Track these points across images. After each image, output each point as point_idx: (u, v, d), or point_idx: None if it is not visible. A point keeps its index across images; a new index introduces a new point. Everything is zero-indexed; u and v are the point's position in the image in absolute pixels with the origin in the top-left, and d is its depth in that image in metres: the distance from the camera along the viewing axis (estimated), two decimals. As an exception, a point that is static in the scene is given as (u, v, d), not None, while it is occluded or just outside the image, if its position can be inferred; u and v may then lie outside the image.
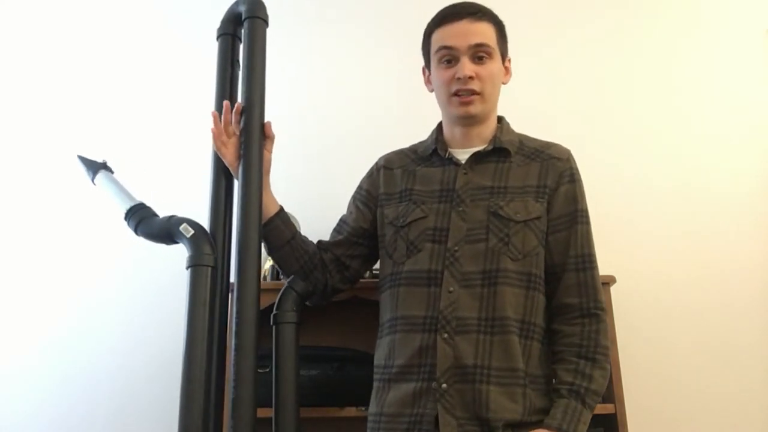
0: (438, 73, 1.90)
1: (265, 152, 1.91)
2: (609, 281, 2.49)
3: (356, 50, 3.12)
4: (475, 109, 1.86)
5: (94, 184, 2.00)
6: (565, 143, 1.97)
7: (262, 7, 1.99)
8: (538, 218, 1.79)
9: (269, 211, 1.92)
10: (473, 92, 1.84)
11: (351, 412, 2.35)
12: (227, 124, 1.90)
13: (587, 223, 1.83)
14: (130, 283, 2.85)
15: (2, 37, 3.20)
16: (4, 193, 2.99)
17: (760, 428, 2.59)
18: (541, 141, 1.95)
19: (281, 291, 1.92)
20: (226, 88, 2.01)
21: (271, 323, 1.88)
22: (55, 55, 3.16)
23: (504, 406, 1.65)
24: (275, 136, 1.94)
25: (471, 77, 1.83)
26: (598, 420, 2.40)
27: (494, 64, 1.87)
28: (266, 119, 1.94)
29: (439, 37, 1.89)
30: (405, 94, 2.97)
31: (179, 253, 2.54)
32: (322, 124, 2.99)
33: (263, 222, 1.90)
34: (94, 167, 2.00)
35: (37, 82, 3.13)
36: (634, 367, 2.57)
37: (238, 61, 2.04)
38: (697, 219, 2.84)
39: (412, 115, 2.91)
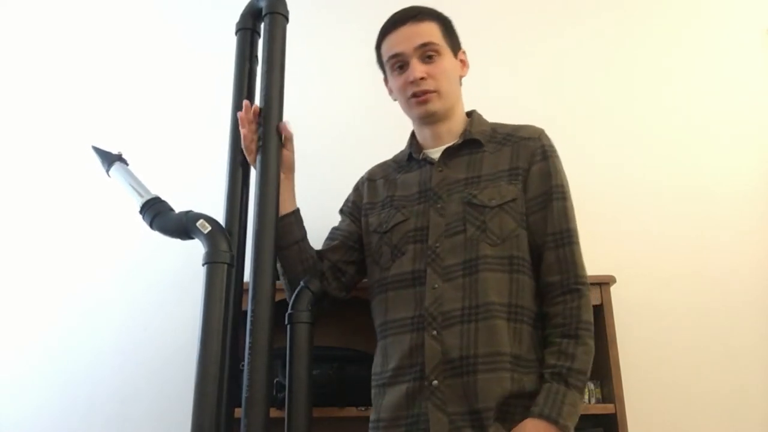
0: (393, 81, 1.96)
1: (286, 151, 1.91)
2: (609, 281, 2.51)
3: (354, 51, 3.11)
4: (434, 106, 1.89)
5: (109, 176, 1.97)
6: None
7: (283, 3, 1.98)
8: (513, 200, 1.79)
9: (285, 209, 1.92)
10: (427, 91, 1.87)
11: (351, 412, 2.37)
12: (249, 122, 1.89)
13: (564, 198, 1.81)
14: (131, 283, 2.85)
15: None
16: (6, 191, 2.98)
17: (759, 428, 2.62)
18: (513, 125, 1.96)
19: (297, 290, 1.91)
20: (244, 83, 1.99)
21: (286, 322, 1.87)
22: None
23: (491, 391, 1.65)
24: (293, 134, 1.93)
25: (423, 78, 1.86)
26: (598, 420, 2.43)
27: (445, 61, 1.90)
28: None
29: (387, 47, 1.95)
30: None
31: (179, 253, 2.58)
32: (319, 126, 2.98)
33: (278, 218, 1.90)
34: (109, 159, 1.97)
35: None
36: (634, 367, 2.59)
37: (256, 56, 2.03)
38: (696, 219, 2.85)
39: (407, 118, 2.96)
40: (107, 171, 1.97)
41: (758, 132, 2.97)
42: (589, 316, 1.72)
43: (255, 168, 1.88)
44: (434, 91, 1.87)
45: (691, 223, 2.85)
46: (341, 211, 2.10)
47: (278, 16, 1.95)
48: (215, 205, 1.92)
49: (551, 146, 1.88)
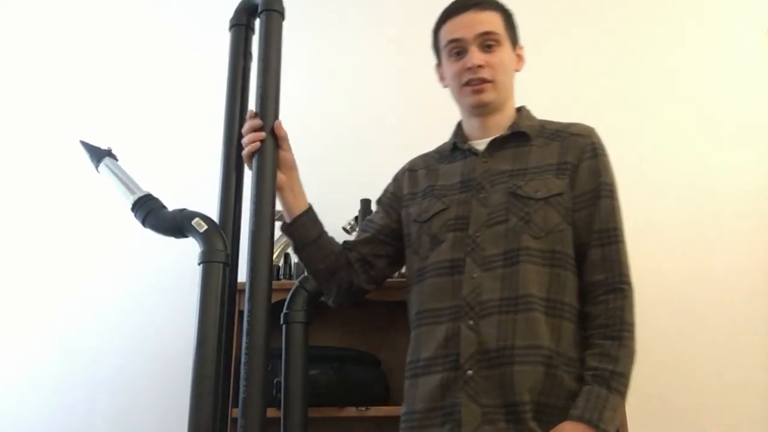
0: (449, 67, 1.90)
1: (283, 152, 1.86)
2: (610, 281, 2.48)
3: (357, 49, 3.14)
4: (488, 96, 1.85)
5: (98, 171, 1.94)
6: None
7: (279, 0, 1.95)
8: (559, 194, 1.75)
9: (296, 210, 1.89)
10: (484, 80, 1.83)
11: (351, 412, 2.35)
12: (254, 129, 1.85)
13: (612, 197, 1.76)
14: (131, 283, 2.86)
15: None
16: (6, 191, 3.00)
17: (760, 428, 2.60)
18: (563, 122, 1.91)
19: (292, 290, 1.90)
20: (237, 80, 1.97)
21: (281, 322, 1.86)
22: (63, 45, 3.17)
23: (528, 384, 1.60)
24: (287, 133, 1.87)
25: (480, 66, 1.82)
26: (598, 420, 2.41)
27: (504, 52, 1.87)
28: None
29: (447, 32, 1.89)
30: (407, 93, 3.02)
31: (180, 253, 2.56)
32: (323, 124, 2.98)
33: (290, 220, 1.89)
34: (98, 154, 1.95)
35: (42, 72, 3.14)
36: (634, 366, 2.56)
37: (250, 52, 2.01)
38: (698, 218, 2.85)
39: (414, 115, 2.97)
40: (96, 167, 1.94)
41: (759, 132, 2.96)
42: (631, 316, 1.67)
43: (251, 170, 1.84)
44: (490, 81, 1.83)
45: (693, 222, 2.84)
46: (378, 201, 2.05)
47: (274, 13, 1.92)
48: (204, 203, 1.91)
49: (601, 145, 1.83)
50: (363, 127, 3.01)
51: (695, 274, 2.77)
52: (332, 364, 2.33)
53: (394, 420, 2.48)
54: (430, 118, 2.92)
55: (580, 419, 1.56)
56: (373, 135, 2.98)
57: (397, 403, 2.51)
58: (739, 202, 2.86)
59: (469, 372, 1.64)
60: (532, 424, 1.59)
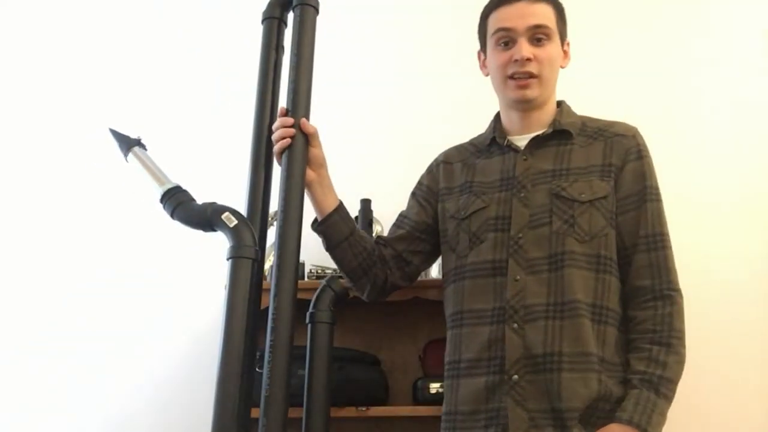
0: (494, 56, 1.87)
1: (312, 149, 1.82)
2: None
3: (358, 49, 3.12)
4: (533, 92, 1.82)
5: (127, 161, 1.90)
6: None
7: (314, -6, 1.93)
8: (604, 198, 1.75)
9: (328, 207, 1.87)
10: (531, 75, 1.81)
11: (351, 412, 2.35)
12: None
13: (658, 200, 1.78)
14: (131, 284, 2.85)
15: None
16: (8, 191, 3.00)
17: (760, 428, 2.63)
18: (604, 120, 1.90)
19: (318, 289, 1.88)
20: (269, 73, 1.94)
21: (307, 321, 1.84)
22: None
23: (576, 392, 1.62)
24: (316, 130, 1.84)
25: (529, 59, 1.79)
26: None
27: (553, 47, 1.84)
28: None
29: (497, 19, 1.86)
30: (408, 93, 3.03)
31: (182, 254, 2.71)
32: (322, 123, 2.94)
33: (321, 218, 1.87)
34: (127, 143, 1.90)
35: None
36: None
37: (282, 46, 1.99)
38: (696, 219, 2.82)
39: (415, 116, 2.99)
40: (125, 156, 1.90)
41: (757, 132, 2.93)
42: (681, 324, 1.69)
43: (281, 166, 1.81)
44: (536, 76, 1.80)
45: (690, 224, 2.77)
46: (412, 195, 2.03)
47: (309, 8, 1.90)
48: (230, 198, 1.86)
49: (645, 146, 1.83)
50: (363, 126, 2.99)
51: (692, 276, 2.71)
52: (332, 364, 2.32)
53: (394, 420, 2.52)
54: (431, 118, 2.95)
55: (629, 422, 1.59)
56: (373, 135, 2.96)
57: (397, 403, 2.53)
58: (738, 205, 2.85)
59: (515, 377, 1.66)
60: (576, 430, 1.61)
